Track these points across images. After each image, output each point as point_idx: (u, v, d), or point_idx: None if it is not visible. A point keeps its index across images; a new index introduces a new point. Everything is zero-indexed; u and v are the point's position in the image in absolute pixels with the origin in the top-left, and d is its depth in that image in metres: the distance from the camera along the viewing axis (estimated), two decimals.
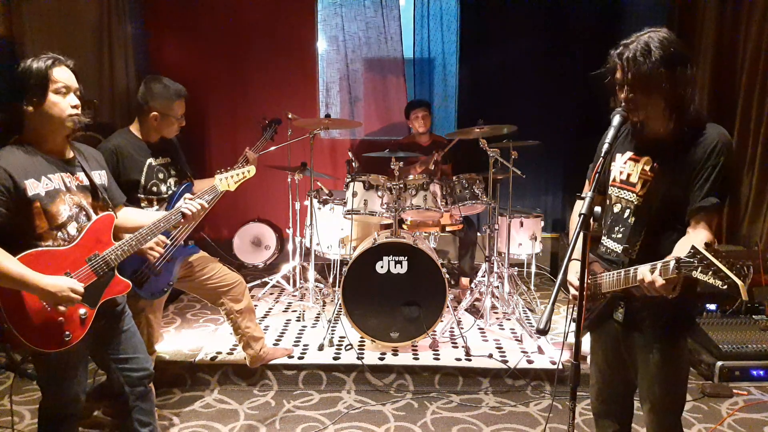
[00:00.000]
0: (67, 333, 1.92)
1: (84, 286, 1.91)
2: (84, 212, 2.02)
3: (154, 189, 2.67)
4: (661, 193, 1.79)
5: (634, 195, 1.86)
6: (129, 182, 2.56)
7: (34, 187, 1.87)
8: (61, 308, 1.86)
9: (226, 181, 2.39)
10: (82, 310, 1.95)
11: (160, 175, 2.72)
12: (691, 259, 1.51)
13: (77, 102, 1.96)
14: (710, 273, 1.47)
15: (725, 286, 1.45)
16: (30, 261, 1.83)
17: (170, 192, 2.75)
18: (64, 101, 1.93)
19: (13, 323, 1.82)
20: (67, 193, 1.97)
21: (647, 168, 1.83)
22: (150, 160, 2.68)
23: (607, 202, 1.98)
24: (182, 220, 2.20)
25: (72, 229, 1.97)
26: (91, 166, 2.10)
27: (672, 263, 1.55)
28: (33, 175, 1.89)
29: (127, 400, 2.23)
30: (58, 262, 1.89)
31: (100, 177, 2.13)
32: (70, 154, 2.06)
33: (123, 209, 2.27)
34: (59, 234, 1.94)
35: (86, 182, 2.06)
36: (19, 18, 4.22)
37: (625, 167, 1.91)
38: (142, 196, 2.64)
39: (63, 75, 1.93)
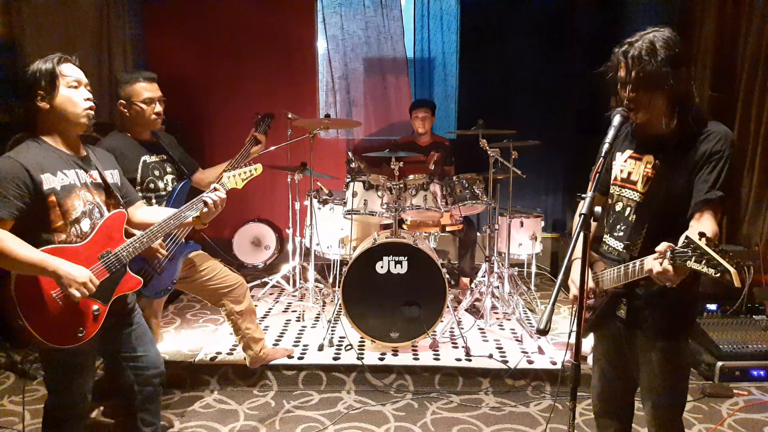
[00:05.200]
0: (81, 329, 1.94)
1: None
2: (98, 209, 2.05)
3: (152, 186, 2.67)
4: (662, 190, 1.79)
5: (636, 193, 1.86)
6: None
7: (49, 182, 1.90)
8: (76, 294, 1.84)
9: (234, 179, 2.39)
10: (95, 306, 1.97)
11: (156, 172, 2.72)
12: (685, 249, 1.50)
13: (90, 95, 2.01)
14: (703, 262, 1.46)
15: (718, 275, 1.44)
16: None
17: (169, 189, 2.75)
18: (77, 94, 1.98)
19: (28, 320, 1.85)
20: (81, 189, 2.00)
21: (649, 165, 1.83)
22: (144, 158, 2.67)
23: (609, 201, 1.98)
24: (204, 210, 2.18)
25: (85, 225, 1.99)
26: (104, 165, 2.13)
27: (667, 254, 1.54)
28: (49, 170, 1.91)
29: (133, 399, 2.24)
30: (71, 258, 1.91)
31: (113, 176, 2.15)
32: (84, 152, 2.09)
33: (142, 207, 2.29)
34: (73, 230, 1.96)
35: (99, 180, 2.09)
36: (19, 18, 4.22)
37: (625, 165, 1.91)
38: (140, 194, 2.64)
39: (71, 70, 1.99)
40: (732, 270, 1.42)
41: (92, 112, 2.01)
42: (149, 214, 2.27)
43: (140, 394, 2.24)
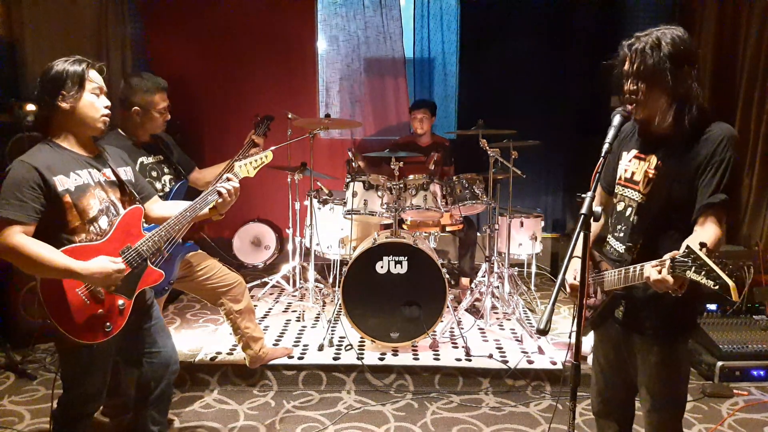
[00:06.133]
0: (108, 324, 1.97)
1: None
2: (113, 207, 2.07)
3: None
4: (664, 192, 1.78)
5: (638, 193, 1.85)
6: None
7: (63, 183, 1.92)
8: (102, 289, 1.90)
9: (246, 167, 2.38)
10: (120, 301, 2.01)
11: (153, 174, 2.72)
12: (686, 259, 1.48)
13: (108, 103, 2.04)
14: (703, 273, 1.44)
15: (717, 287, 1.42)
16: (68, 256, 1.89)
17: (167, 189, 2.75)
18: (98, 101, 2.01)
19: (56, 319, 1.88)
20: (95, 187, 2.01)
21: (651, 166, 1.82)
22: (141, 159, 2.68)
23: (614, 200, 1.98)
24: (219, 199, 2.18)
25: (103, 223, 2.01)
26: (117, 163, 2.15)
27: (667, 263, 1.54)
28: (62, 172, 1.93)
29: (148, 396, 2.27)
30: (93, 256, 1.92)
31: (126, 173, 2.17)
32: (96, 151, 2.11)
33: (158, 202, 2.30)
34: (92, 228, 1.98)
35: (113, 178, 2.10)
36: (19, 18, 4.22)
37: (630, 165, 1.90)
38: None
39: (96, 77, 2.02)
40: (731, 284, 1.40)
41: (108, 119, 2.04)
42: (165, 208, 2.28)
43: (155, 390, 2.27)
